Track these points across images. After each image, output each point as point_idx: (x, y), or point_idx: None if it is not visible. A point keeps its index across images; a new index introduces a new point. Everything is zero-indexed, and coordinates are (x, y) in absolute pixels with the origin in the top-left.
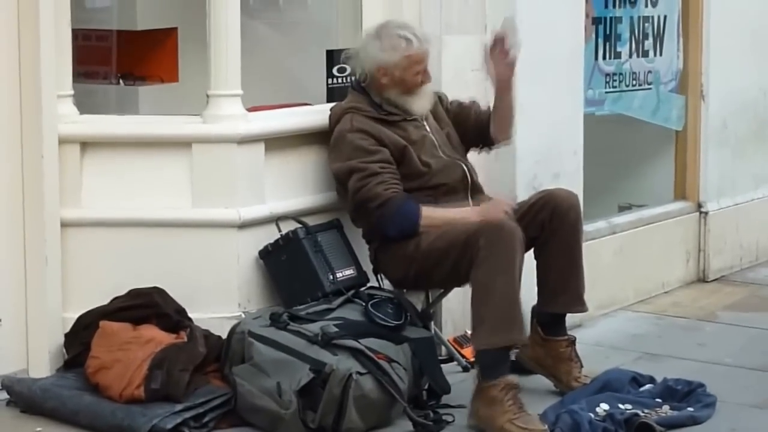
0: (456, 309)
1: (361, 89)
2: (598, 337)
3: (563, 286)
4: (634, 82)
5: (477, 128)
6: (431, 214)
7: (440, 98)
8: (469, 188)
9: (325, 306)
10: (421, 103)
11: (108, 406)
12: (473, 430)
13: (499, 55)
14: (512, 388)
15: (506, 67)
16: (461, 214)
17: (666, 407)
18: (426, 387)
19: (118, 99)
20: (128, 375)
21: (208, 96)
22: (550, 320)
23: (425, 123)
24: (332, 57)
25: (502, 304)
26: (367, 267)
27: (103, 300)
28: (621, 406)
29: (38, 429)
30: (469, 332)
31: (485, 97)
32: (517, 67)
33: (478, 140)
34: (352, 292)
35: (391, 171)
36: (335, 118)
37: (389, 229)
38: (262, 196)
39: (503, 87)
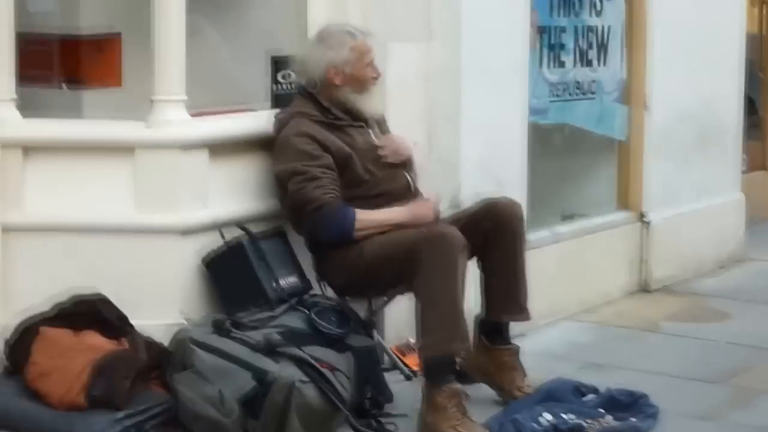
0: (399, 317)
1: (308, 94)
2: (541, 347)
3: (507, 295)
4: (578, 92)
5: None
6: (365, 217)
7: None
8: (412, 197)
9: (268, 314)
10: (374, 102)
11: (48, 414)
12: None
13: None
14: (456, 395)
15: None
16: (393, 214)
17: (609, 417)
18: (369, 396)
19: (62, 103)
20: (69, 382)
21: (152, 101)
22: (494, 329)
23: (370, 131)
24: (277, 63)
25: (446, 313)
26: (311, 275)
27: (44, 306)
28: (564, 415)
29: None
30: (412, 341)
31: (428, 104)
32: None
33: None
34: (295, 299)
35: (331, 177)
36: (281, 124)
37: (322, 233)
38: (206, 203)
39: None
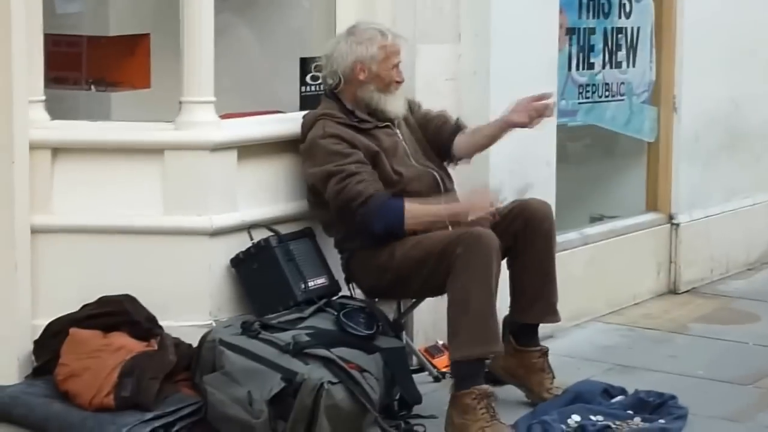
0: (427, 319)
1: (333, 96)
2: (569, 348)
3: (536, 296)
4: (607, 93)
5: (434, 141)
6: (416, 207)
7: (410, 106)
8: (442, 197)
9: (296, 315)
10: (396, 104)
11: (77, 414)
12: None
13: (535, 108)
14: (486, 396)
15: (529, 119)
16: (447, 207)
17: (637, 419)
18: (397, 397)
19: (90, 105)
20: (98, 383)
21: (180, 103)
22: (523, 330)
23: (398, 130)
24: (305, 64)
25: (478, 316)
26: (339, 276)
27: (73, 307)
28: (593, 417)
29: None
30: (440, 342)
31: (457, 106)
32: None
33: (434, 152)
34: (323, 301)
35: (368, 170)
36: (308, 126)
37: (375, 225)
38: (235, 204)
39: (507, 129)
